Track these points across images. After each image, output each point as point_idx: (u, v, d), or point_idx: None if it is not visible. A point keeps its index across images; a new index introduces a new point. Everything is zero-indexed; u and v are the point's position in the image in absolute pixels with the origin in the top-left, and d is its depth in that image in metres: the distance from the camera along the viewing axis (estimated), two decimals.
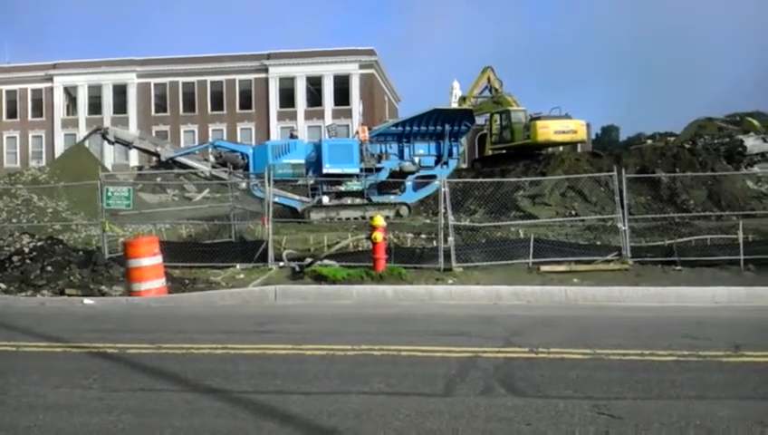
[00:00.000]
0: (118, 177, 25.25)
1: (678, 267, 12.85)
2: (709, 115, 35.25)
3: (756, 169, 27.63)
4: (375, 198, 24.72)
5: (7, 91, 62.44)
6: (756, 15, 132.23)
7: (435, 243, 14.52)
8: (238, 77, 61.68)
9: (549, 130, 31.49)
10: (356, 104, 57.24)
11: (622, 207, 13.93)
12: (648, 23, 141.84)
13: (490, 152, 36.74)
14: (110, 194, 15.10)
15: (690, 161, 25.75)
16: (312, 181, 23.97)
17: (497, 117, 34.88)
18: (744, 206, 21.70)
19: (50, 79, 62.19)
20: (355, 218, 23.51)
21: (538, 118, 32.18)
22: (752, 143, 30.10)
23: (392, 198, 24.99)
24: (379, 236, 12.52)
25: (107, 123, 51.57)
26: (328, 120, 56.83)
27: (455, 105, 43.02)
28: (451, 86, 59.60)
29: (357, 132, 25.78)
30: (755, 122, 32.88)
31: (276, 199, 20.47)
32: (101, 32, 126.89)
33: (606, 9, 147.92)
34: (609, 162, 25.27)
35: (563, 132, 32.12)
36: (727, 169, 26.07)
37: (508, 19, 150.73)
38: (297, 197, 24.26)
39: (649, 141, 39.87)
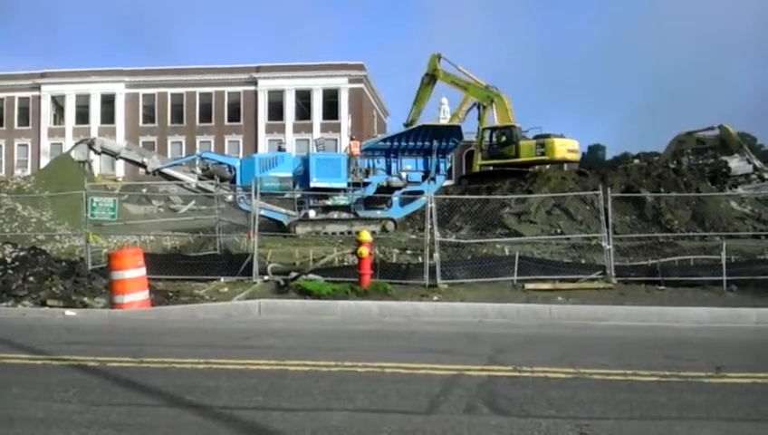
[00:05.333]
0: (107, 186, 25.09)
1: (662, 287, 12.92)
2: (688, 129, 35.62)
3: (740, 190, 27.95)
4: (362, 213, 24.74)
5: None
6: (753, 35, 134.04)
7: (420, 259, 14.54)
8: (227, 89, 61.71)
9: (564, 149, 32.31)
10: (344, 118, 57.41)
11: (607, 226, 14.01)
12: (639, 42, 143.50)
13: (477, 168, 36.67)
14: (94, 205, 14.99)
15: (675, 181, 26.01)
16: (298, 195, 23.96)
17: (493, 132, 34.37)
18: (727, 226, 21.92)
19: (37, 87, 61.92)
20: (341, 233, 23.52)
21: (546, 136, 32.57)
22: (736, 164, 30.49)
23: (379, 214, 25.02)
24: (364, 251, 12.51)
25: (94, 133, 51.36)
26: (316, 133, 56.95)
27: (443, 121, 43.09)
28: (440, 103, 59.99)
29: (349, 146, 25.83)
30: (732, 130, 33.28)
31: (262, 212, 20.41)
32: (91, 41, 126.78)
33: (595, 27, 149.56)
34: (594, 181, 25.45)
35: (573, 151, 33.28)
36: (711, 189, 26.38)
37: (496, 36, 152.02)
38: (284, 210, 24.23)
39: (635, 161, 40.18)
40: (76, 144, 28.95)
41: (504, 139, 33.46)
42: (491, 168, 34.13)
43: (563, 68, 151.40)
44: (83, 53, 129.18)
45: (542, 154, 31.89)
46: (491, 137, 34.37)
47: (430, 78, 38.46)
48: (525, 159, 32.41)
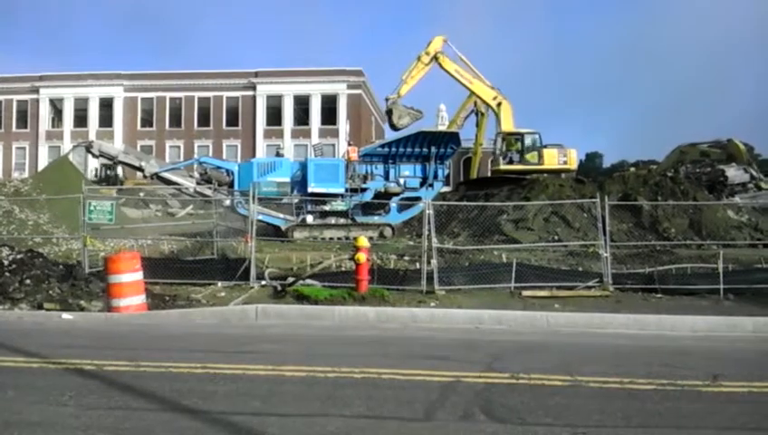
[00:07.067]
0: (101, 191, 25.08)
1: (659, 295, 12.94)
2: (692, 141, 35.49)
3: (737, 198, 27.95)
4: (359, 219, 24.77)
5: None
6: (754, 42, 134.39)
7: (418, 265, 14.53)
8: (226, 94, 61.78)
9: (575, 158, 33.64)
10: (343, 124, 57.51)
11: (604, 233, 14.03)
12: (639, 49, 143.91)
13: (474, 175, 36.62)
14: (92, 208, 14.98)
15: (672, 190, 25.99)
16: (296, 200, 23.98)
17: (514, 137, 33.35)
18: (724, 235, 21.91)
19: (36, 90, 61.93)
20: (339, 238, 23.53)
21: (560, 145, 33.14)
22: (733, 173, 30.50)
23: (376, 219, 25.05)
24: (362, 256, 12.51)
25: (92, 136, 51.46)
26: (314, 139, 57.09)
27: (441, 128, 43.00)
28: (438, 109, 60.10)
29: (347, 152, 25.87)
30: (741, 145, 33.03)
31: (260, 217, 20.42)
32: (90, 45, 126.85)
33: (594, 35, 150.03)
34: (592, 189, 25.41)
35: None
36: (709, 198, 26.36)
37: (497, 43, 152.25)
38: (281, 215, 24.25)
39: (632, 169, 40.12)
40: (74, 147, 29.03)
41: (526, 145, 32.79)
42: (488, 174, 34.10)
43: (559, 74, 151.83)
44: (82, 57, 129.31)
45: (565, 163, 32.22)
46: (514, 142, 33.22)
47: (431, 59, 34.26)
48: (549, 166, 32.23)
